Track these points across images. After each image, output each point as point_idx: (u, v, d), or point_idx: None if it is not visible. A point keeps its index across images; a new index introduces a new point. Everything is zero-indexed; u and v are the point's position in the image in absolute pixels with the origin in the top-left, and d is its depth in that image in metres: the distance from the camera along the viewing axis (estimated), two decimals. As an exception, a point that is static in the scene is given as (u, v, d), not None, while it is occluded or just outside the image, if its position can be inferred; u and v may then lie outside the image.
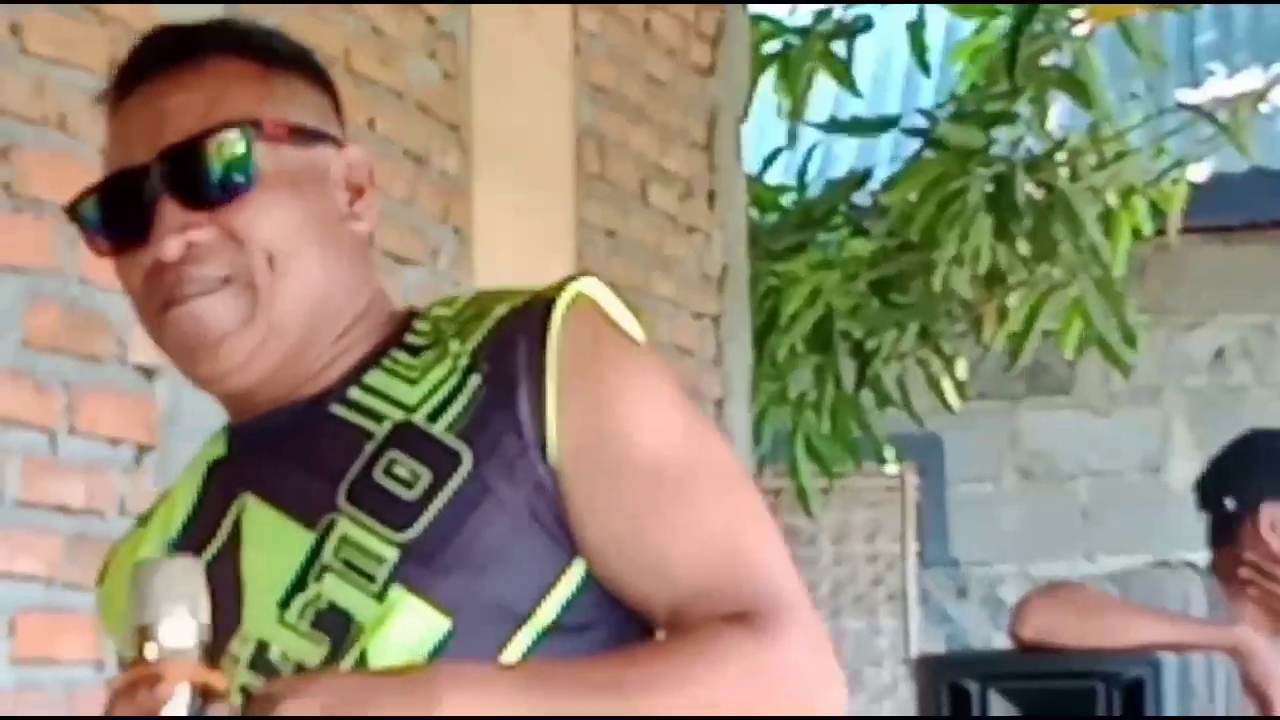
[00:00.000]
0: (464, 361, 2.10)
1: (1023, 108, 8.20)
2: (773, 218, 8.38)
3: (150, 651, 1.92)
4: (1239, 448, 4.97)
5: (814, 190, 8.63)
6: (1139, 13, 8.80)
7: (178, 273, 2.12)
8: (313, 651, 2.06)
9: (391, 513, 2.06)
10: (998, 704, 4.51)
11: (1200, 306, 10.54)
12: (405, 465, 2.08)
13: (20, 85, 4.16)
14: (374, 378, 2.15)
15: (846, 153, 9.95)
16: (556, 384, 2.06)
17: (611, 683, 1.98)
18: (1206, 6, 10.91)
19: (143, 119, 2.17)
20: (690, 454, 2.08)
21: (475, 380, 2.09)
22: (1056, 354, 8.62)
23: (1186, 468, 10.29)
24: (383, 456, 2.09)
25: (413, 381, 2.13)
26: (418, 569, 2.04)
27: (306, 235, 2.15)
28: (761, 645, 2.00)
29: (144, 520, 2.32)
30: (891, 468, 9.41)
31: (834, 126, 8.90)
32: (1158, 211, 8.32)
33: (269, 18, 4.75)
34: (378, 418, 2.12)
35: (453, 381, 2.10)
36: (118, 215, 2.16)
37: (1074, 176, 8.16)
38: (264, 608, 2.10)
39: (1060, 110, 8.47)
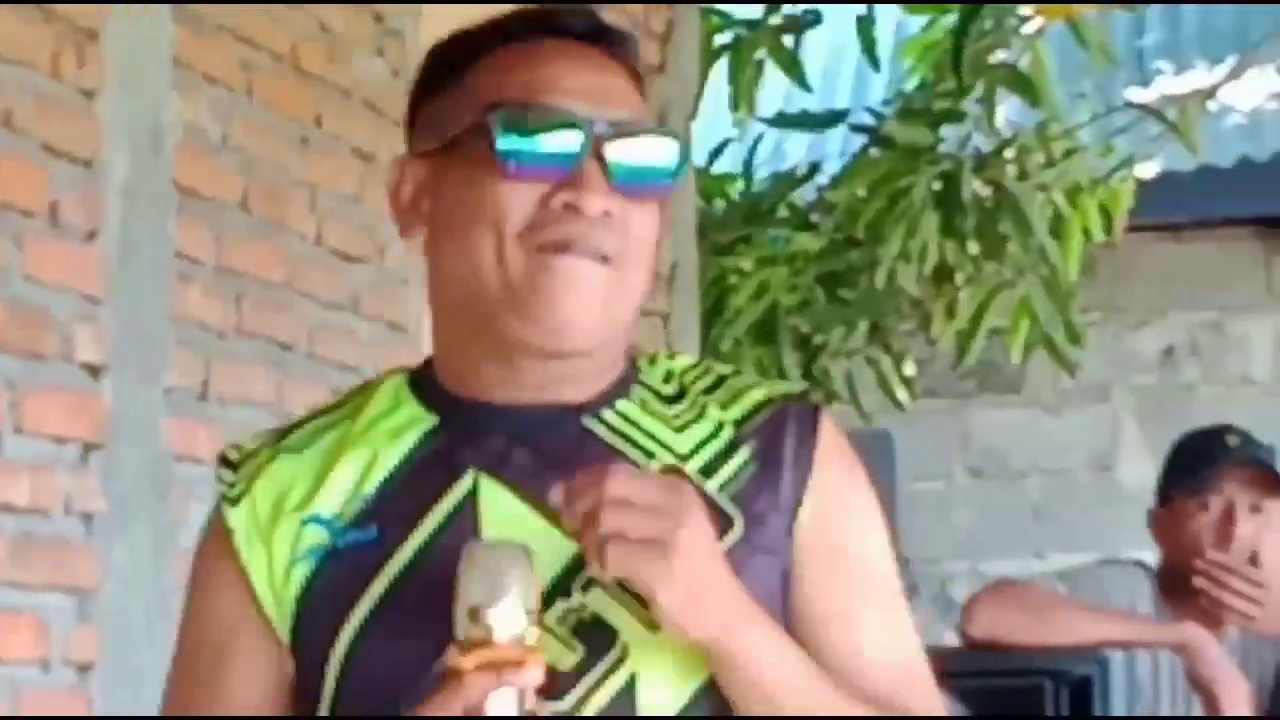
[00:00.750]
0: (728, 431, 2.25)
1: (971, 105, 8.21)
2: (718, 207, 8.38)
3: (502, 632, 2.03)
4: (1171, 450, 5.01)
5: (761, 184, 8.64)
6: (1088, 11, 8.83)
7: (588, 227, 2.17)
8: (566, 657, 2.14)
9: None
10: (946, 702, 4.52)
11: (1149, 304, 10.58)
12: None
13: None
14: (629, 410, 2.26)
15: (795, 148, 9.97)
16: (816, 480, 2.25)
17: (831, 684, 2.18)
18: (1155, 5, 10.96)
19: (582, 74, 2.22)
20: (891, 573, 2.31)
21: (744, 453, 2.24)
22: (1006, 352, 8.65)
23: (1136, 466, 10.40)
24: None
25: (677, 430, 2.25)
26: None
27: (651, 257, 2.26)
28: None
29: (287, 445, 2.30)
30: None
31: (782, 121, 8.91)
32: (1105, 210, 8.34)
33: (218, 16, 4.79)
34: (646, 452, 2.23)
35: (718, 445, 2.24)
36: (536, 145, 2.18)
37: (1021, 175, 8.18)
38: None
39: (1008, 108, 8.49)
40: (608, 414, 2.25)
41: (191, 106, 4.72)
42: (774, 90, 8.92)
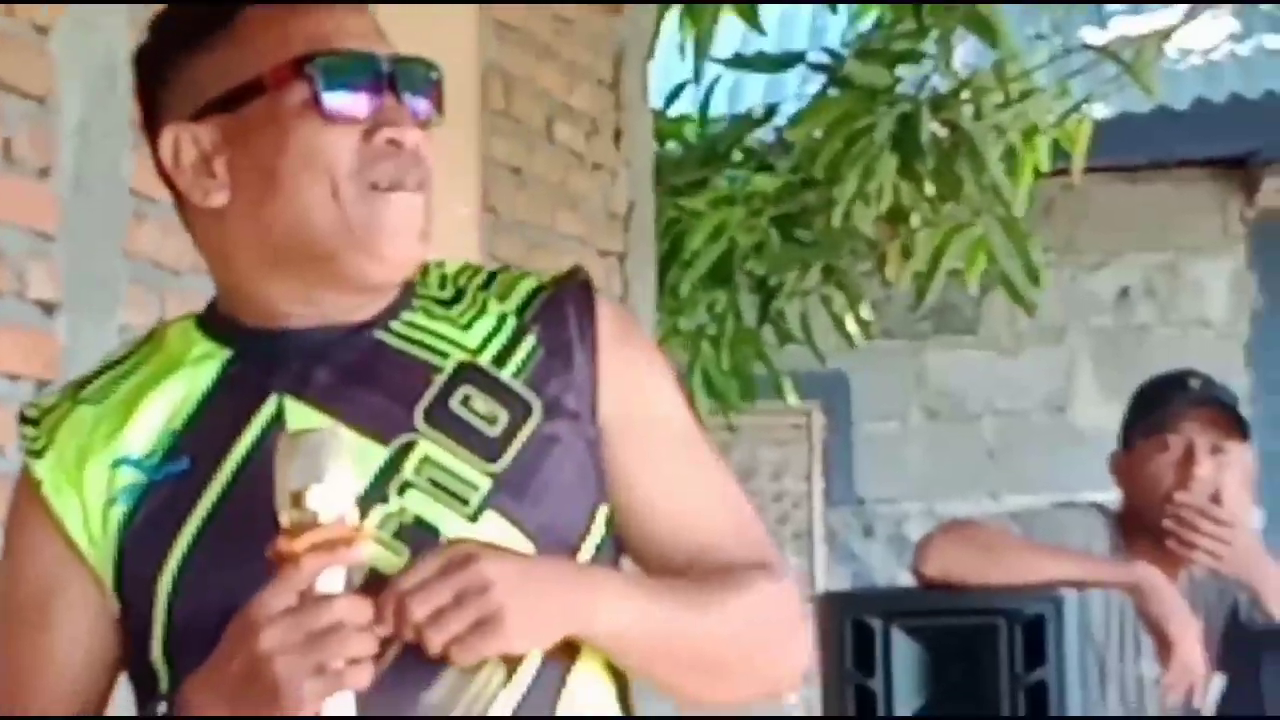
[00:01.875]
0: (511, 321, 2.33)
1: (929, 46, 8.22)
2: (675, 150, 8.39)
3: (325, 513, 2.07)
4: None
5: (718, 126, 8.66)
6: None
7: (410, 161, 2.26)
8: (392, 561, 2.18)
9: (478, 444, 2.25)
10: (900, 640, 4.55)
11: (1105, 246, 10.62)
12: (483, 402, 2.28)
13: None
14: (414, 318, 2.33)
15: (753, 89, 9.97)
16: (606, 359, 2.33)
17: (697, 599, 2.28)
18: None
19: (355, 20, 2.30)
20: (696, 431, 2.41)
21: (530, 340, 2.31)
22: (962, 293, 8.68)
23: (1091, 408, 10.45)
24: (457, 390, 2.28)
25: (463, 328, 2.32)
26: (510, 499, 2.24)
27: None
28: (773, 583, 2.35)
29: (86, 397, 2.33)
30: (796, 404, 9.45)
31: (738, 63, 8.92)
32: (1062, 151, 8.36)
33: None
34: (439, 353, 2.30)
35: (505, 335, 2.32)
36: (354, 88, 2.25)
37: (978, 115, 8.18)
38: None
39: (966, 49, 8.50)
40: (395, 325, 2.31)
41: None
42: (731, 32, 8.91)
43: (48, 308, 4.31)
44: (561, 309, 2.34)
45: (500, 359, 2.30)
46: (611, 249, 7.00)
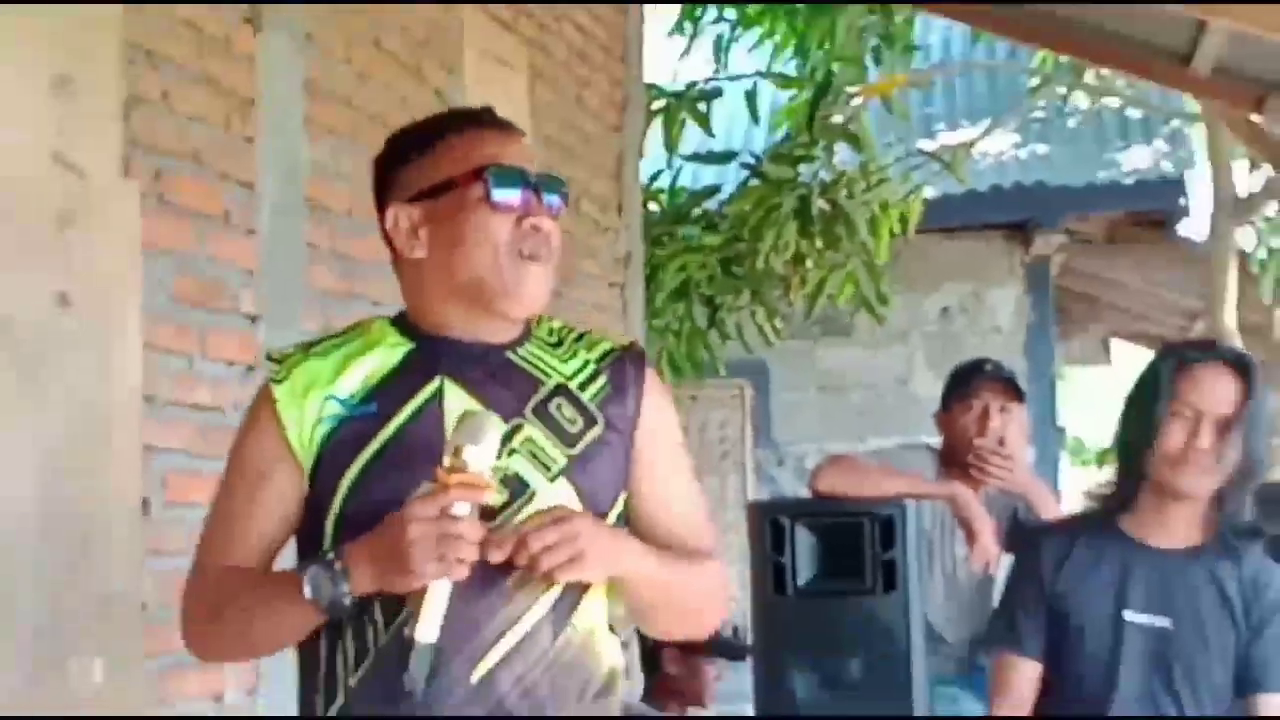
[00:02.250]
0: (592, 365, 2.36)
1: (818, 152, 8.23)
2: (654, 213, 8.38)
3: (475, 467, 2.12)
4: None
5: (681, 198, 8.67)
6: (894, 89, 8.86)
7: (543, 241, 2.30)
8: (496, 499, 2.20)
9: (562, 436, 2.29)
10: (801, 533, 4.48)
11: (933, 280, 10.54)
12: (568, 410, 2.31)
13: None
14: (530, 349, 2.35)
15: (705, 174, 9.97)
16: (646, 404, 2.37)
17: (681, 562, 2.36)
18: (938, 81, 10.96)
19: (513, 146, 2.34)
20: (688, 461, 2.45)
21: (602, 379, 2.35)
22: (842, 310, 8.64)
23: (923, 383, 10.39)
24: (554, 399, 2.31)
25: (563, 360, 2.35)
26: (576, 473, 2.28)
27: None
28: (719, 567, 2.43)
29: (316, 352, 2.34)
30: (734, 381, 9.46)
31: (695, 158, 8.93)
32: (904, 218, 8.36)
33: (336, 88, 4.74)
34: (545, 373, 2.33)
35: (587, 373, 2.35)
36: (512, 188, 2.29)
37: (849, 195, 8.19)
38: None
39: (842, 153, 8.50)
40: (520, 350, 2.34)
41: (317, 149, 4.68)
42: (691, 138, 8.91)
43: (253, 319, 4.29)
44: (625, 365, 2.37)
45: (583, 386, 2.33)
46: (616, 281, 6.98)
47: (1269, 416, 3.28)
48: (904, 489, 4.57)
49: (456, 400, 2.26)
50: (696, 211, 8.54)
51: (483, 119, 2.36)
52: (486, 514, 2.19)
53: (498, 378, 2.29)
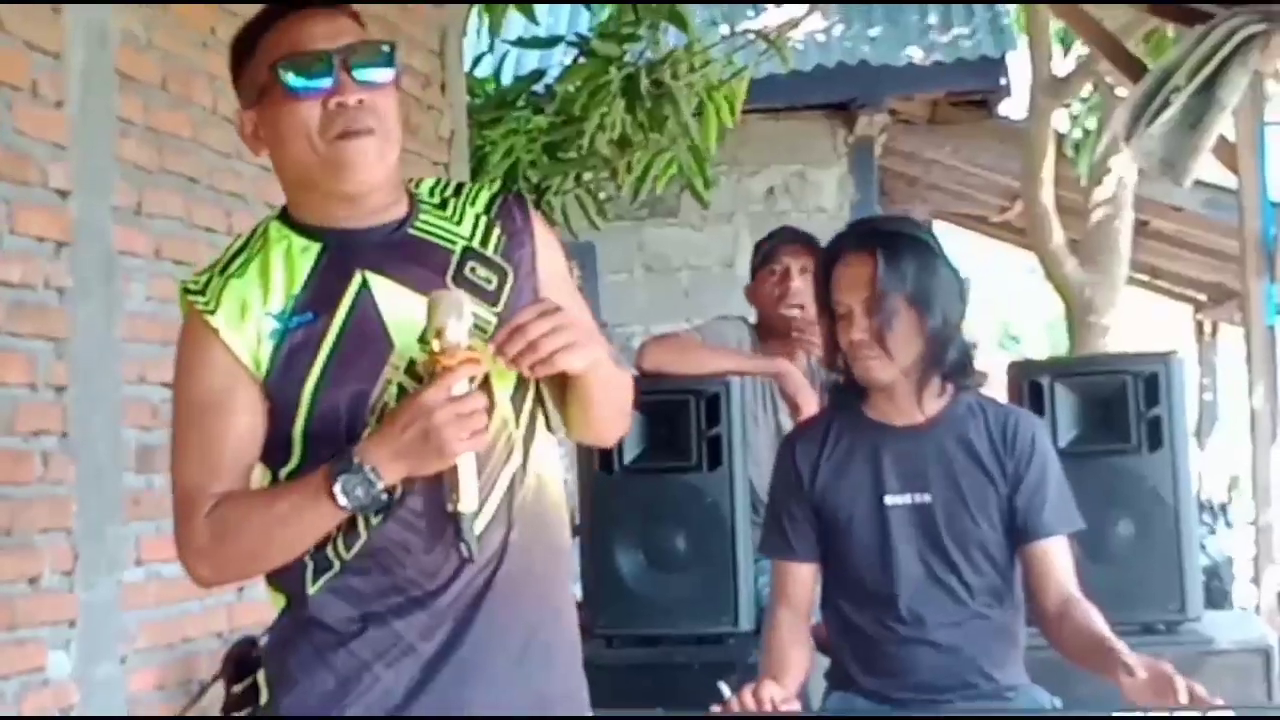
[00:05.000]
0: (484, 218, 2.42)
1: (644, 31, 8.19)
2: (479, 99, 8.32)
3: (463, 342, 2.24)
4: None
5: (506, 82, 8.61)
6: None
7: (353, 115, 2.32)
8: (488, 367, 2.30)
9: (484, 296, 2.36)
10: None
11: (758, 160, 10.58)
12: (482, 270, 2.38)
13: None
14: (426, 218, 2.41)
15: (530, 59, 9.89)
16: (538, 241, 2.44)
17: (614, 363, 2.44)
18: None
19: (320, 25, 2.35)
20: (571, 281, 2.53)
21: (498, 229, 2.42)
22: (668, 191, 8.66)
23: (749, 264, 10.50)
24: (467, 263, 2.38)
25: (455, 223, 2.41)
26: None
27: (399, 121, 2.40)
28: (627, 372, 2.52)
29: (233, 273, 2.39)
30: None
31: (520, 43, 8.86)
32: (729, 100, 8.36)
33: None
34: (449, 241, 2.40)
35: (483, 227, 2.42)
36: (309, 76, 2.33)
37: (675, 76, 8.17)
38: (406, 341, 2.31)
39: (669, 34, 8.45)
40: (418, 222, 2.41)
41: (127, 19, 4.59)
42: (516, 22, 8.83)
43: (63, 194, 4.15)
44: (510, 209, 2.44)
45: (484, 242, 2.40)
46: (440, 161, 6.94)
47: (930, 270, 3.30)
48: (729, 366, 4.61)
49: (383, 289, 2.34)
50: (522, 97, 8.47)
51: (288, 6, 2.39)
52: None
53: (408, 257, 2.37)
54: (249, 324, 2.34)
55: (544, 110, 8.28)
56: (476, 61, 8.52)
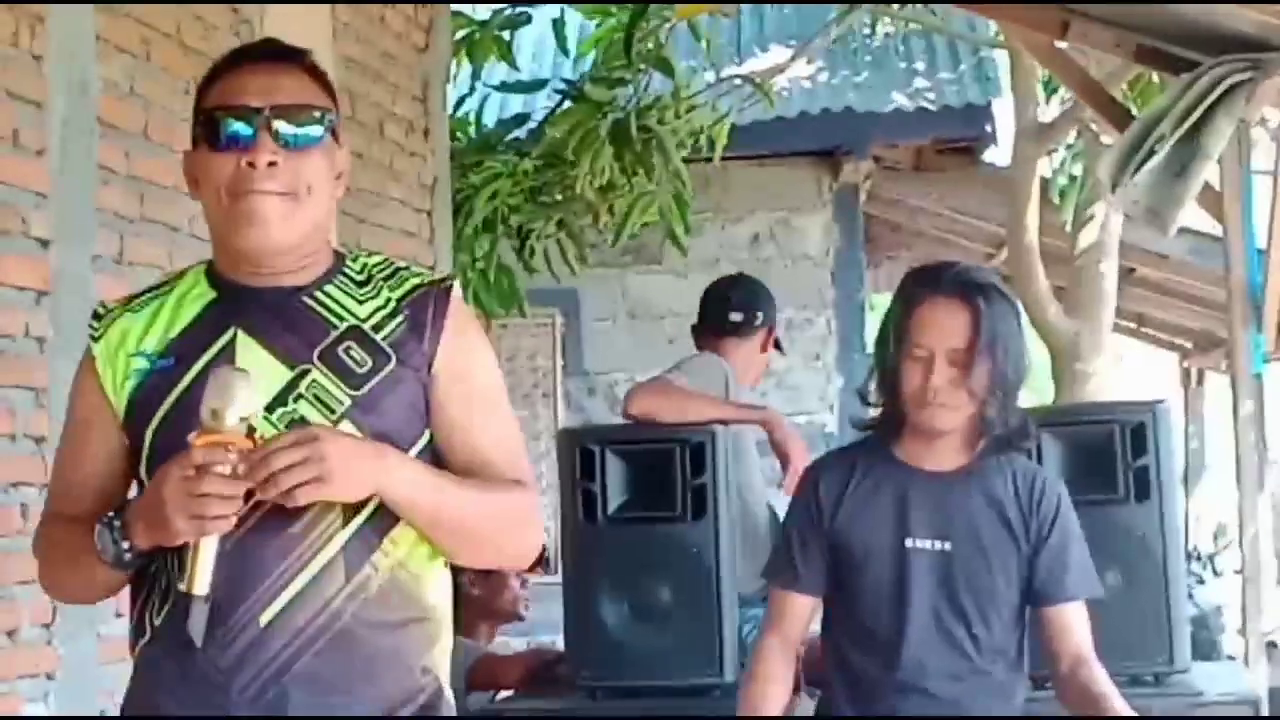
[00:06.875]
0: (393, 304, 2.37)
1: (632, 75, 8.23)
2: (461, 142, 8.34)
3: (228, 424, 2.18)
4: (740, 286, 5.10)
5: (489, 127, 8.65)
6: (705, 13, 8.88)
7: (261, 176, 2.31)
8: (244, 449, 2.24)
9: (347, 378, 2.32)
10: (611, 459, 4.48)
11: (743, 207, 10.60)
12: (357, 352, 2.34)
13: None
14: (332, 291, 2.38)
15: (511, 102, 9.92)
16: (446, 337, 2.36)
17: (471, 488, 2.36)
18: (745, 7, 10.98)
19: (257, 80, 2.35)
20: (501, 392, 2.45)
21: (401, 317, 2.36)
22: (652, 238, 8.66)
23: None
24: (344, 342, 2.34)
25: (360, 302, 2.37)
26: (360, 413, 2.31)
27: (325, 185, 2.37)
28: (523, 492, 2.42)
29: (131, 308, 2.43)
30: (544, 310, 9.46)
31: (502, 87, 8.90)
32: (713, 144, 8.39)
33: (126, 7, 4.66)
34: (339, 317, 2.36)
35: (385, 312, 2.37)
36: (229, 130, 2.32)
37: (661, 121, 8.21)
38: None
39: (656, 80, 8.49)
40: (318, 293, 2.38)
41: (108, 67, 4.60)
42: (500, 67, 8.88)
43: (44, 243, 4.15)
44: (426, 301, 2.38)
45: (378, 327, 2.36)
46: (423, 208, 6.95)
47: (1014, 330, 3.29)
48: (716, 415, 4.59)
49: (247, 350, 2.32)
50: (505, 140, 8.50)
51: (243, 55, 2.41)
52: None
53: (288, 325, 2.35)
54: (120, 359, 2.38)
55: (528, 154, 8.32)
56: (459, 104, 8.56)
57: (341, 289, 2.39)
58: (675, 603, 4.46)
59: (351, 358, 2.33)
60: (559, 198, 8.18)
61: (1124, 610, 4.22)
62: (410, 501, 2.30)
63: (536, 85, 8.87)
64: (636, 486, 4.51)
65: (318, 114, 2.36)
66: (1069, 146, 10.71)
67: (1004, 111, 10.58)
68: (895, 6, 10.47)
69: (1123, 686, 3.46)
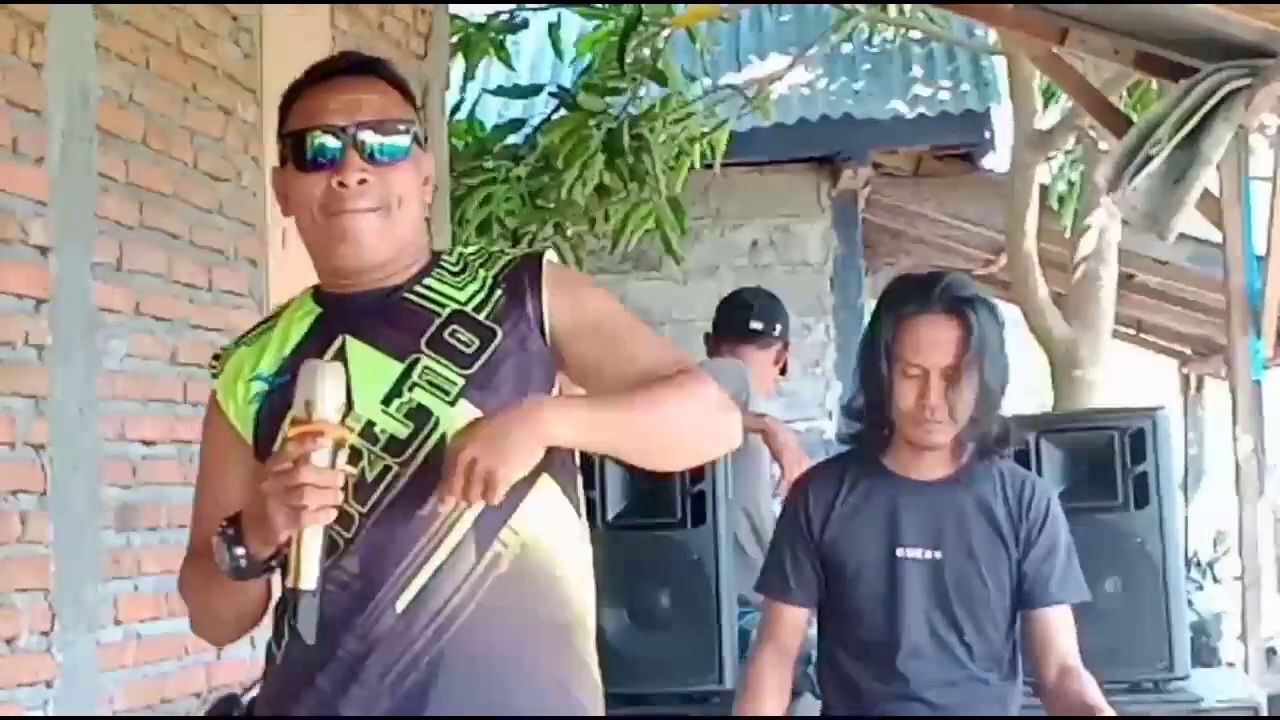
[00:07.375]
0: (489, 281, 2.39)
1: (626, 84, 8.24)
2: (457, 146, 8.36)
3: (321, 415, 2.19)
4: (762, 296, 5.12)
5: (485, 131, 8.67)
6: (701, 21, 8.89)
7: (352, 194, 2.33)
8: (404, 431, 2.31)
9: (457, 359, 2.33)
10: (611, 467, 4.42)
11: (742, 214, 10.58)
12: (464, 334, 2.35)
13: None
14: (430, 283, 2.40)
15: (508, 107, 9.92)
16: (547, 296, 2.37)
17: (634, 399, 2.32)
18: (744, 15, 11.00)
19: (340, 97, 2.37)
20: (628, 315, 2.44)
21: (499, 293, 2.38)
22: (651, 245, 8.66)
23: (732, 317, 10.47)
24: (449, 327, 2.35)
25: (459, 288, 2.39)
26: (476, 389, 2.31)
27: (415, 194, 2.40)
28: (698, 379, 2.36)
29: (246, 341, 2.47)
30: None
31: (499, 92, 8.92)
32: (712, 150, 8.40)
33: (125, 14, 4.67)
34: (441, 305, 2.38)
35: (484, 291, 2.38)
36: (316, 151, 2.35)
37: (653, 130, 8.23)
38: (370, 402, 2.31)
39: (649, 87, 8.50)
40: (417, 287, 2.40)
41: (108, 75, 4.62)
42: (498, 72, 8.89)
43: (43, 250, 4.15)
44: (521, 272, 2.39)
45: (478, 307, 2.37)
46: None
47: (1000, 339, 3.31)
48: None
49: (357, 352, 2.35)
50: (501, 145, 8.51)
51: (323, 71, 2.43)
52: (394, 449, 2.29)
53: (392, 321, 2.37)
54: (239, 388, 2.41)
55: (523, 159, 8.33)
56: (454, 109, 8.57)
57: (439, 280, 2.41)
58: (675, 610, 4.47)
59: (459, 340, 2.35)
60: (554, 203, 8.19)
61: (1123, 617, 4.23)
62: (587, 436, 2.29)
63: (533, 90, 8.89)
64: (636, 493, 4.50)
65: (403, 126, 2.39)
66: (1068, 153, 10.71)
67: (1003, 118, 10.59)
68: (894, 13, 10.46)
69: (1122, 693, 3.48)
